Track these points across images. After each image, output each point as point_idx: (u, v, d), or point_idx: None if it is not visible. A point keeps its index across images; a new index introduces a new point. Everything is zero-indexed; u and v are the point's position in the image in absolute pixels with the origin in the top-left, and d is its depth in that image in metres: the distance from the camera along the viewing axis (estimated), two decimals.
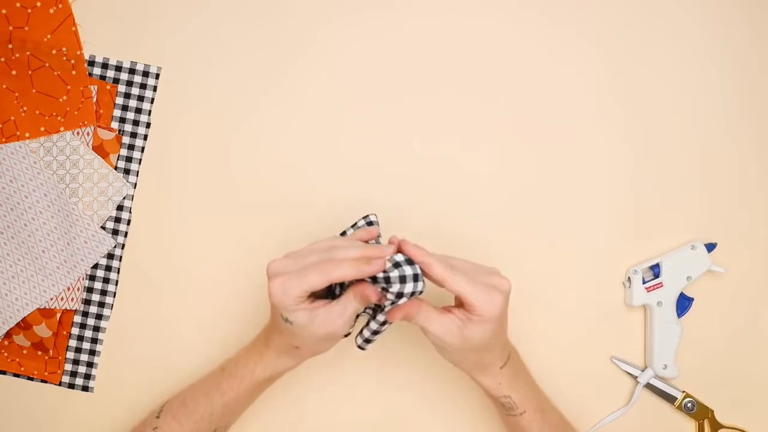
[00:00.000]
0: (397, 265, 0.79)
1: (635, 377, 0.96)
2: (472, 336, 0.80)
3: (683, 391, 0.96)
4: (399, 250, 0.81)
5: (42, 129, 0.95)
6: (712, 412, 0.96)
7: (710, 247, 0.95)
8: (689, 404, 0.96)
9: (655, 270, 0.95)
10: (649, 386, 0.96)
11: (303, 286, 0.78)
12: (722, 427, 0.97)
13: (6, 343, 0.96)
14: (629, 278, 0.95)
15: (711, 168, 0.97)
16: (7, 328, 0.95)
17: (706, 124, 0.97)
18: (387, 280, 0.79)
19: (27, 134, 0.95)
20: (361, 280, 0.80)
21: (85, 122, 0.95)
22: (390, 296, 0.79)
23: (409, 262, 0.79)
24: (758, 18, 0.97)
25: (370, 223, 0.86)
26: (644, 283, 0.95)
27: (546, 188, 0.97)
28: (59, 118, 0.95)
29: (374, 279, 0.80)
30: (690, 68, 0.96)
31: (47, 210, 0.94)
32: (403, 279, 0.78)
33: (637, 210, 0.97)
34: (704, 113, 0.97)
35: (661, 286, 0.95)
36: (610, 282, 0.97)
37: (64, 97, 0.95)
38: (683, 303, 0.96)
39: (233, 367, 0.88)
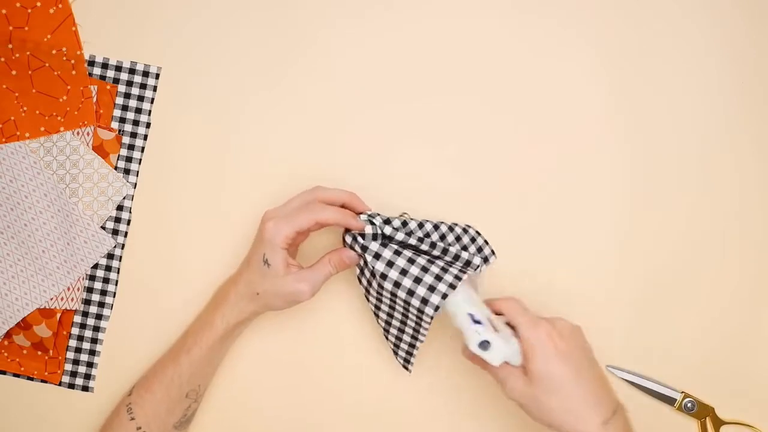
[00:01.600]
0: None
1: (632, 383, 0.97)
2: (536, 370, 0.81)
3: (682, 392, 0.96)
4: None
5: (42, 129, 0.95)
6: (713, 409, 0.96)
7: None
8: (689, 404, 0.96)
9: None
10: (647, 390, 0.96)
11: (294, 226, 0.87)
12: (724, 423, 0.97)
13: (6, 343, 0.96)
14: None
15: (711, 167, 0.97)
16: (7, 328, 0.95)
17: (706, 124, 0.97)
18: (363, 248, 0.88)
19: (27, 134, 0.94)
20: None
21: (85, 122, 0.95)
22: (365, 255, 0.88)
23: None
24: (758, 18, 0.97)
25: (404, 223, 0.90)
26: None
27: (546, 189, 0.97)
28: (59, 118, 0.95)
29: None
30: (690, 68, 0.96)
31: (47, 210, 0.94)
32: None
33: (635, 210, 0.97)
34: (704, 113, 0.97)
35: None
36: (608, 282, 0.97)
37: (64, 97, 0.95)
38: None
39: (192, 326, 0.93)
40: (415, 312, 0.86)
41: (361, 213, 0.89)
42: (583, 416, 0.80)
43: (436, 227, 0.91)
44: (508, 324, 0.86)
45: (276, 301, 0.90)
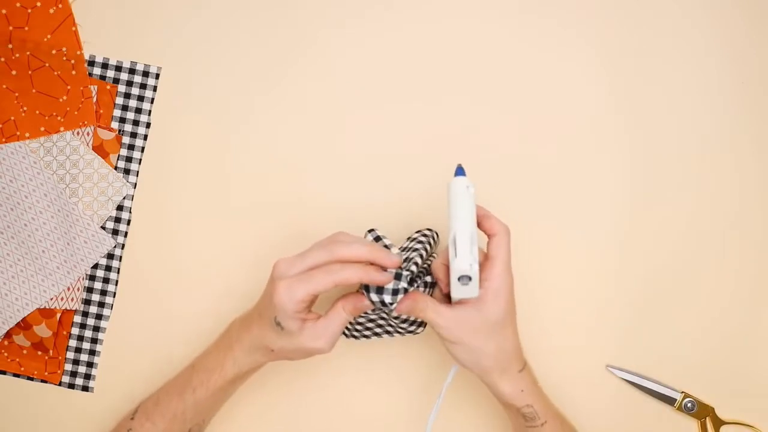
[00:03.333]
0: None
1: (632, 383, 0.97)
2: (492, 312, 0.81)
3: (682, 392, 0.96)
4: None
5: (42, 129, 0.95)
6: (713, 409, 0.96)
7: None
8: (689, 404, 0.96)
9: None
10: (647, 390, 0.96)
11: (308, 289, 0.78)
12: (724, 423, 0.97)
13: (6, 343, 0.96)
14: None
15: (711, 167, 0.97)
16: (7, 328, 0.95)
17: (706, 124, 0.97)
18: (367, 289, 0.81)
19: (27, 134, 0.95)
20: (351, 292, 0.83)
21: (85, 122, 0.95)
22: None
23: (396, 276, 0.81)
24: (758, 18, 0.97)
25: (377, 238, 0.85)
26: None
27: (546, 188, 0.97)
28: (59, 118, 0.95)
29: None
30: (690, 68, 0.96)
31: (47, 210, 0.94)
32: (380, 290, 0.81)
33: (635, 210, 0.97)
34: (704, 113, 0.97)
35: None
36: (608, 282, 0.97)
37: (64, 97, 0.95)
38: None
39: (203, 362, 0.89)
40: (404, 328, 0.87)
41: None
42: (507, 364, 0.84)
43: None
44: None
45: (293, 355, 0.85)
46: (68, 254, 0.95)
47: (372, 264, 0.80)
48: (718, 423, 0.97)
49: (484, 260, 0.83)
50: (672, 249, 0.97)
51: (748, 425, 0.97)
